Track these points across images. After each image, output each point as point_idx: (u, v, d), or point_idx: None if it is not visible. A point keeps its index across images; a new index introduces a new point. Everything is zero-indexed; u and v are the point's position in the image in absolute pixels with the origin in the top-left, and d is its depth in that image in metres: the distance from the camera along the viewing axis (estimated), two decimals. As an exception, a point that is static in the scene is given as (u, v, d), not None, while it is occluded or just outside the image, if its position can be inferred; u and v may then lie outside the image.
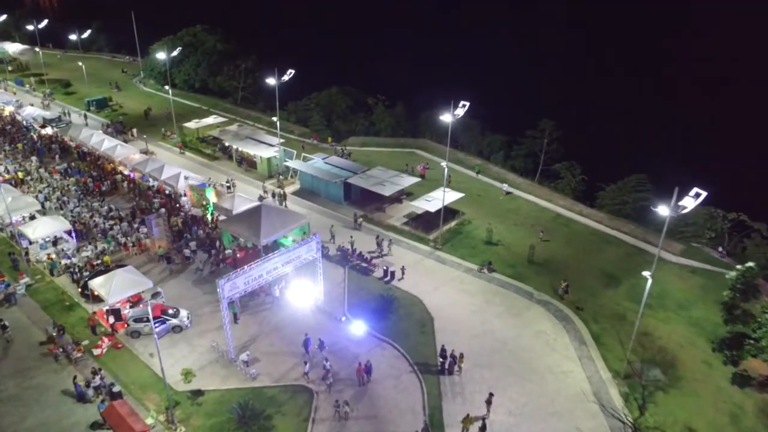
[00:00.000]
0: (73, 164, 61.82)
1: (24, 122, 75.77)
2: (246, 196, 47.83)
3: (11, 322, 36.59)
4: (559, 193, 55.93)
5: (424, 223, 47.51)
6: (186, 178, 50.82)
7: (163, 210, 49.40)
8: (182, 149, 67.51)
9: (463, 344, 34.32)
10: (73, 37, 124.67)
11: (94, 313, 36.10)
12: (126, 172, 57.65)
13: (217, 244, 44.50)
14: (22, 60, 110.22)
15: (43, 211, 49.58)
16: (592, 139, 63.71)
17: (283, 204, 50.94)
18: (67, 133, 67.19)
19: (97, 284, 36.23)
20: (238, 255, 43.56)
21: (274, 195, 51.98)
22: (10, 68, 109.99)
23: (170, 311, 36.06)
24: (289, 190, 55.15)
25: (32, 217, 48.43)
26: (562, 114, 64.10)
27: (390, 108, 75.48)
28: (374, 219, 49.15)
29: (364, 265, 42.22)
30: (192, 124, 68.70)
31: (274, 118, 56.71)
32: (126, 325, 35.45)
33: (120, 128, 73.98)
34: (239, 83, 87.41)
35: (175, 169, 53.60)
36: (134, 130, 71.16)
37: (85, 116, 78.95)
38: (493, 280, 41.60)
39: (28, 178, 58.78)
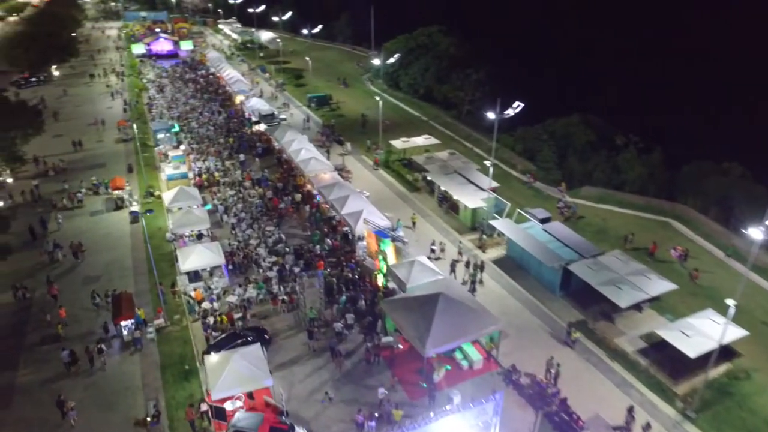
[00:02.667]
0: (267, 171, 57.01)
1: (246, 114, 74.65)
2: (430, 264, 36.42)
3: (122, 379, 30.74)
4: None
5: (670, 359, 30.98)
6: (366, 221, 41.18)
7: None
8: (377, 165, 59.48)
9: None
10: (312, 28, 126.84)
11: (191, 405, 28.10)
12: (314, 192, 50.67)
13: (378, 324, 34.10)
14: (270, 48, 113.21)
15: (209, 232, 44.18)
16: None
17: (478, 277, 38.55)
18: (274, 132, 63.09)
19: (209, 365, 28.24)
20: (399, 344, 32.75)
21: (468, 264, 39.80)
22: (261, 54, 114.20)
23: (284, 420, 26.58)
24: (491, 254, 42.61)
25: (199, 236, 43.48)
26: None
27: (643, 153, 57.81)
28: (596, 331, 34.08)
29: (566, 418, 27.78)
30: (399, 143, 59.54)
31: (488, 163, 44.21)
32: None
33: (328, 132, 68.33)
34: (466, 95, 76.34)
35: (359, 202, 44.54)
36: (348, 145, 64.20)
37: (308, 118, 74.78)
38: None
39: (225, 179, 55.27)
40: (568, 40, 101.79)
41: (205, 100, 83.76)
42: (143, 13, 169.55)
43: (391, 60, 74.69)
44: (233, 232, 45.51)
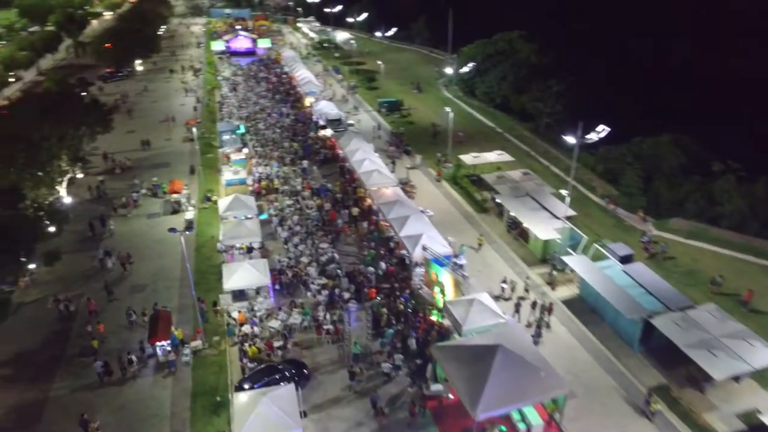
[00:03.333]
0: (328, 181, 54.71)
1: (314, 117, 72.90)
2: (491, 304, 32.55)
3: (150, 405, 29.02)
4: None
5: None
6: (425, 249, 37.80)
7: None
8: (440, 177, 56.30)
9: None
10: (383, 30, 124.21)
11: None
12: (374, 207, 47.84)
13: (428, 368, 30.70)
14: (345, 48, 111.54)
15: (260, 246, 42.20)
16: None
17: (544, 321, 34.46)
18: (339, 139, 60.72)
19: (237, 405, 25.84)
20: (450, 394, 29.29)
21: (534, 305, 35.69)
22: (336, 54, 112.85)
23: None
24: (561, 293, 38.27)
25: (249, 250, 41.56)
26: None
27: (744, 183, 51.13)
28: (681, 402, 29.21)
29: None
30: (469, 158, 55.64)
31: (565, 192, 39.81)
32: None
33: (396, 141, 65.41)
34: (545, 107, 71.26)
35: (420, 224, 41.24)
36: (419, 159, 60.56)
37: (378, 126, 71.82)
38: None
39: (285, 187, 53.44)
40: (662, 52, 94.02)
41: (275, 100, 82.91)
42: (227, 10, 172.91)
43: (465, 69, 70.67)
44: (285, 246, 43.39)
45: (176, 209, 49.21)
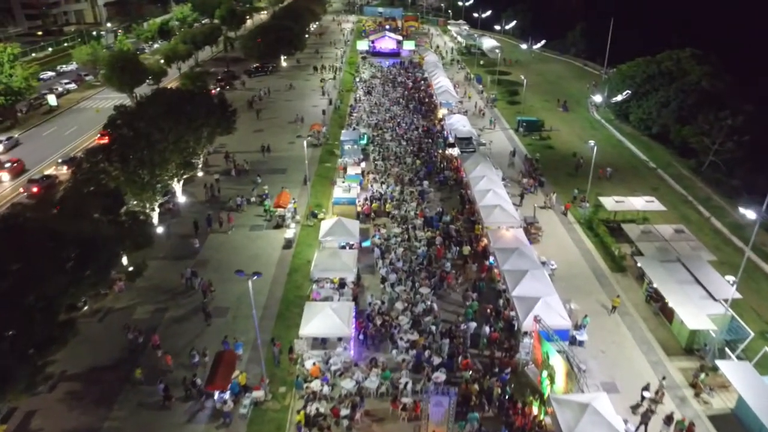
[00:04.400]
0: (444, 210, 49.51)
1: (445, 132, 67.92)
2: (609, 415, 25.28)
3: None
4: None
5: None
6: (538, 320, 31.33)
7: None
8: (566, 211, 49.53)
9: None
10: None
11: None
12: (489, 250, 41.90)
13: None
14: (490, 57, 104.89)
15: (355, 282, 38.15)
16: None
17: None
18: (466, 162, 55.08)
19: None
20: None
21: (669, 420, 27.77)
22: (481, 62, 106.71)
23: None
24: (710, 404, 29.89)
25: (341, 285, 37.72)
26: None
27: None
28: None
29: None
30: (610, 202, 47.39)
31: (731, 279, 31.10)
32: None
33: (530, 169, 58.45)
34: (713, 143, 59.95)
35: (539, 284, 34.74)
36: (553, 196, 51.89)
37: (514, 151, 63.41)
38: None
39: (396, 212, 49.15)
40: None
41: (409, 109, 79.01)
42: (380, 9, 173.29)
43: (619, 98, 61.23)
44: (382, 285, 39.02)
45: (280, 224, 46.89)
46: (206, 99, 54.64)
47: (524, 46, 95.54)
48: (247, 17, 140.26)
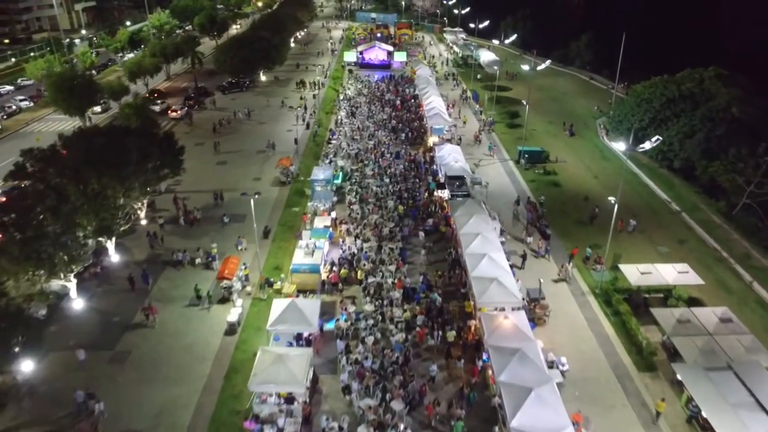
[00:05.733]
0: (428, 268, 40.64)
1: (433, 167, 58.96)
2: None
3: None
4: None
5: None
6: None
7: None
8: (572, 257, 41.19)
9: None
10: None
11: None
12: (484, 343, 32.92)
13: None
14: (488, 71, 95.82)
15: (306, 401, 29.25)
16: None
17: None
18: (456, 211, 45.94)
19: None
20: None
21: None
22: (479, 76, 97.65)
23: None
24: None
25: (289, 400, 28.72)
26: None
27: None
28: None
29: None
30: (633, 273, 38.08)
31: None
32: None
33: (534, 217, 49.46)
34: (747, 183, 50.89)
35: (543, 407, 25.89)
36: (569, 267, 41.42)
37: (518, 200, 52.31)
38: None
39: (371, 280, 40.09)
40: None
41: (395, 133, 70.03)
42: (373, 15, 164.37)
43: (647, 146, 51.77)
44: (347, 397, 30.10)
45: (226, 297, 37.95)
46: (146, 137, 45.66)
47: (527, 67, 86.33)
48: (234, 25, 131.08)
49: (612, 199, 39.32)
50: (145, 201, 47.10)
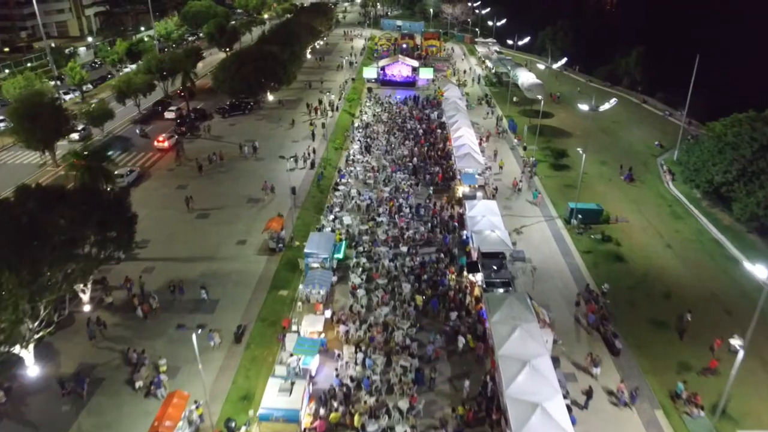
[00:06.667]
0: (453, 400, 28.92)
1: (463, 234, 46.91)
2: None
3: None
4: None
5: None
6: None
7: None
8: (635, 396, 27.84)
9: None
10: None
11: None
12: None
13: None
14: (528, 96, 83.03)
15: None
16: None
17: None
18: (489, 304, 33.88)
19: None
20: None
21: None
22: (515, 99, 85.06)
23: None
24: None
25: None
26: None
27: None
28: None
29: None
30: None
31: None
32: None
33: (598, 316, 36.98)
34: None
35: None
36: (659, 417, 29.94)
37: (588, 288, 39.83)
38: None
39: (373, 429, 28.43)
40: None
41: (417, 174, 58.18)
42: (399, 22, 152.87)
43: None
44: None
45: (177, 445, 26.66)
46: (88, 201, 34.63)
47: (586, 107, 73.85)
48: (240, 33, 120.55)
49: (738, 343, 26.80)
50: (88, 283, 36.20)
